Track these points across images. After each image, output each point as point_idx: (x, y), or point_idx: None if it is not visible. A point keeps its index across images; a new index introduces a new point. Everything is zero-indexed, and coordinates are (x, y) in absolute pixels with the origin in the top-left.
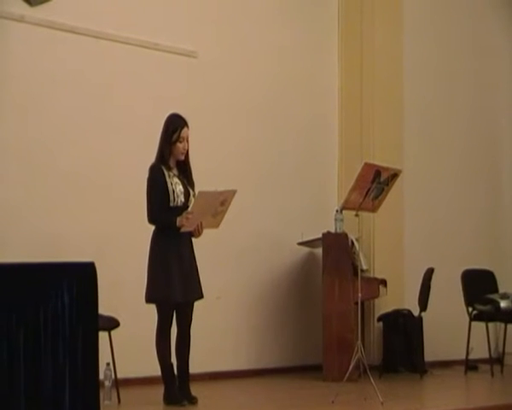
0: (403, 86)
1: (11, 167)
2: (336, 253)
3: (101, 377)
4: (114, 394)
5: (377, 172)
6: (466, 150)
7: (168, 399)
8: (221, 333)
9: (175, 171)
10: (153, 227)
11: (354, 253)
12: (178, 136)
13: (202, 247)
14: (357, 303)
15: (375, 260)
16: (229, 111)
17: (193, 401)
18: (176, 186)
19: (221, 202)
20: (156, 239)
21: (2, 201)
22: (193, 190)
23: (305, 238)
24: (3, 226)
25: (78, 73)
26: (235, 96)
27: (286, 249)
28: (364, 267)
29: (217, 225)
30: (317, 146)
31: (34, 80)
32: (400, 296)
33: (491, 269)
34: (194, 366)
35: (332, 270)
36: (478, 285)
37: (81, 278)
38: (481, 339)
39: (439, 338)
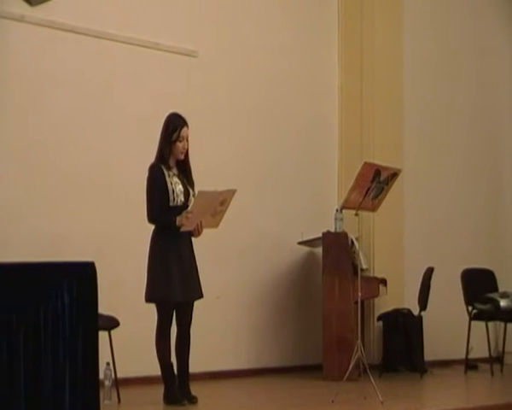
0: (403, 86)
1: (11, 167)
2: (336, 252)
3: (101, 376)
4: (114, 393)
5: (377, 171)
6: (466, 150)
7: (168, 398)
8: (221, 333)
9: (175, 170)
10: (152, 227)
11: (354, 252)
12: (178, 135)
13: (202, 246)
14: (357, 302)
15: (374, 259)
16: (230, 111)
17: (193, 400)
18: (176, 186)
19: (221, 201)
20: (156, 239)
21: (3, 200)
22: (193, 189)
23: (305, 238)
24: (4, 226)
25: (78, 73)
26: (236, 95)
27: (286, 249)
28: (364, 267)
29: (216, 225)
30: (317, 145)
31: (34, 80)
32: (400, 296)
33: (490, 268)
34: (194, 366)
35: (332, 269)
36: (478, 284)
37: (81, 277)
38: (481, 338)
39: (439, 337)
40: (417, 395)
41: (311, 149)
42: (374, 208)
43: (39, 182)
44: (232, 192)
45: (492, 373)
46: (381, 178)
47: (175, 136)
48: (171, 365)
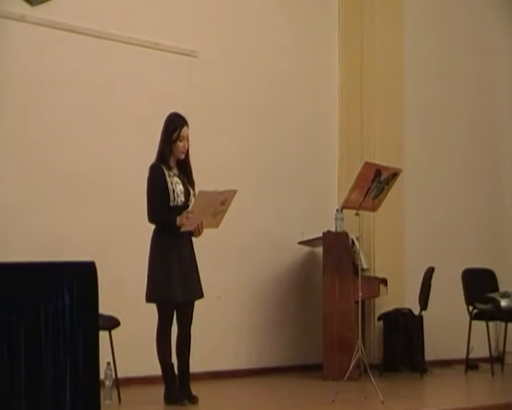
0: (403, 85)
1: (11, 167)
2: (337, 252)
3: (102, 376)
4: (115, 393)
5: (377, 171)
6: (466, 149)
7: (169, 398)
8: (222, 332)
9: (175, 170)
10: (153, 227)
11: (354, 252)
12: (178, 135)
13: (203, 246)
14: (357, 302)
15: (375, 259)
16: (230, 111)
17: (193, 400)
18: (176, 186)
19: (221, 201)
20: (156, 239)
21: (3, 200)
22: (193, 189)
23: (306, 237)
24: (4, 226)
25: (78, 73)
26: (236, 95)
27: (286, 249)
28: (365, 266)
29: (217, 225)
30: (317, 145)
31: (35, 80)
32: (401, 295)
33: (491, 268)
34: (195, 366)
35: (332, 269)
36: (478, 284)
37: (82, 277)
38: (482, 338)
39: (440, 337)
40: (418, 395)
41: (311, 148)
42: (374, 208)
43: (39, 182)
44: (233, 192)
45: (493, 373)
46: (382, 178)
47: (175, 135)
48: (172, 364)
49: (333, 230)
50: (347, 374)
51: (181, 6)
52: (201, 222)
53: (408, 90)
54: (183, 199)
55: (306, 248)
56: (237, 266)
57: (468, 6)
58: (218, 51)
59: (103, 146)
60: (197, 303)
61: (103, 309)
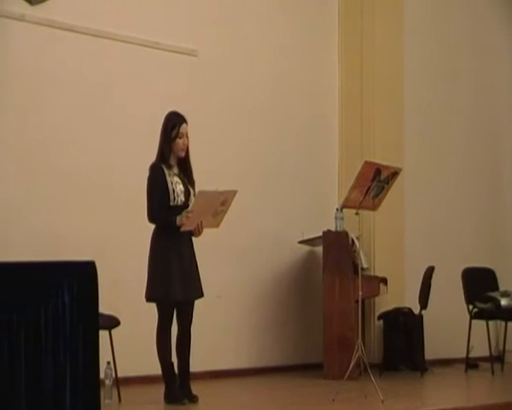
0: (403, 85)
1: (11, 167)
2: (337, 251)
3: (102, 375)
4: (115, 392)
5: (377, 170)
6: (466, 149)
7: (169, 398)
8: (222, 332)
9: (175, 170)
10: (153, 226)
11: (355, 251)
12: (178, 132)
13: (203, 246)
14: (357, 302)
15: (375, 258)
16: (230, 110)
17: (194, 399)
18: (176, 185)
19: (222, 201)
20: (156, 238)
21: (3, 200)
22: (193, 189)
23: (306, 237)
24: (4, 226)
25: (78, 72)
26: (236, 95)
27: (286, 248)
28: (365, 266)
29: (217, 225)
30: (317, 145)
31: (34, 79)
32: (401, 295)
33: (491, 267)
34: (195, 365)
35: (332, 268)
36: (478, 283)
37: (81, 277)
38: (482, 337)
39: (440, 336)
40: (418, 394)
41: (311, 148)
42: (374, 207)
43: (39, 182)
44: (233, 193)
45: (493, 372)
46: (382, 177)
47: (174, 133)
48: (172, 364)
49: (333, 229)
50: (347, 373)
51: (181, 5)
52: (201, 222)
53: (408, 89)
54: (183, 199)
55: (306, 248)
56: (237, 266)
57: (468, 6)
58: (218, 51)
59: (103, 146)
60: (197, 303)
61: (103, 308)
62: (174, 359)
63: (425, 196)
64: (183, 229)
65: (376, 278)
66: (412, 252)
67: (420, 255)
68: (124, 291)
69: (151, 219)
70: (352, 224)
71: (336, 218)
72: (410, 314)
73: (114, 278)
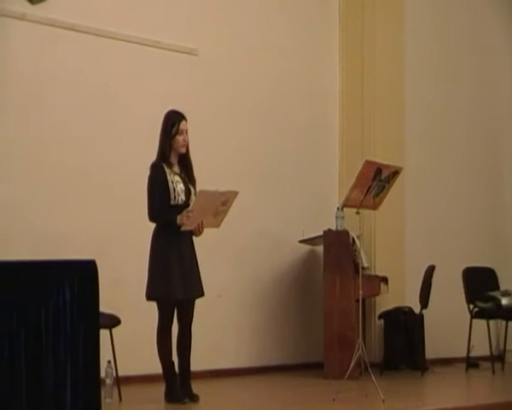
0: (404, 85)
1: (12, 166)
2: (337, 250)
3: (103, 374)
4: (116, 391)
5: (378, 169)
6: (467, 148)
7: (169, 397)
8: (222, 331)
9: (176, 168)
10: (153, 225)
11: (355, 250)
12: (177, 129)
13: (203, 245)
14: (358, 301)
15: (376, 257)
16: (230, 109)
17: (194, 398)
18: (177, 184)
19: (222, 202)
20: (157, 237)
21: (4, 199)
22: (194, 187)
23: (306, 236)
24: (5, 225)
25: (78, 72)
26: (236, 94)
27: (287, 247)
28: (365, 265)
29: (218, 225)
30: (317, 145)
31: (35, 78)
32: (401, 294)
33: (492, 266)
34: (196, 364)
35: (333, 268)
36: (479, 283)
37: (82, 275)
38: (482, 336)
39: (440, 336)
40: (418, 393)
41: (311, 148)
42: (375, 207)
43: (40, 181)
44: (234, 194)
45: (494, 371)
46: (382, 177)
47: (174, 130)
48: (173, 363)
49: (333, 228)
50: (348, 373)
51: (181, 4)
52: (202, 222)
53: (408, 89)
54: (184, 198)
55: (307, 247)
56: (238, 265)
57: (468, 6)
58: (219, 50)
59: (104, 144)
60: (198, 302)
61: (104, 307)
62: (175, 358)
63: (426, 196)
64: (183, 228)
65: (377, 277)
66: (413, 251)
67: (420, 255)
68: (124, 290)
69: (151, 218)
70: (352, 223)
71: (337, 217)
72: (410, 313)
73: (115, 277)
